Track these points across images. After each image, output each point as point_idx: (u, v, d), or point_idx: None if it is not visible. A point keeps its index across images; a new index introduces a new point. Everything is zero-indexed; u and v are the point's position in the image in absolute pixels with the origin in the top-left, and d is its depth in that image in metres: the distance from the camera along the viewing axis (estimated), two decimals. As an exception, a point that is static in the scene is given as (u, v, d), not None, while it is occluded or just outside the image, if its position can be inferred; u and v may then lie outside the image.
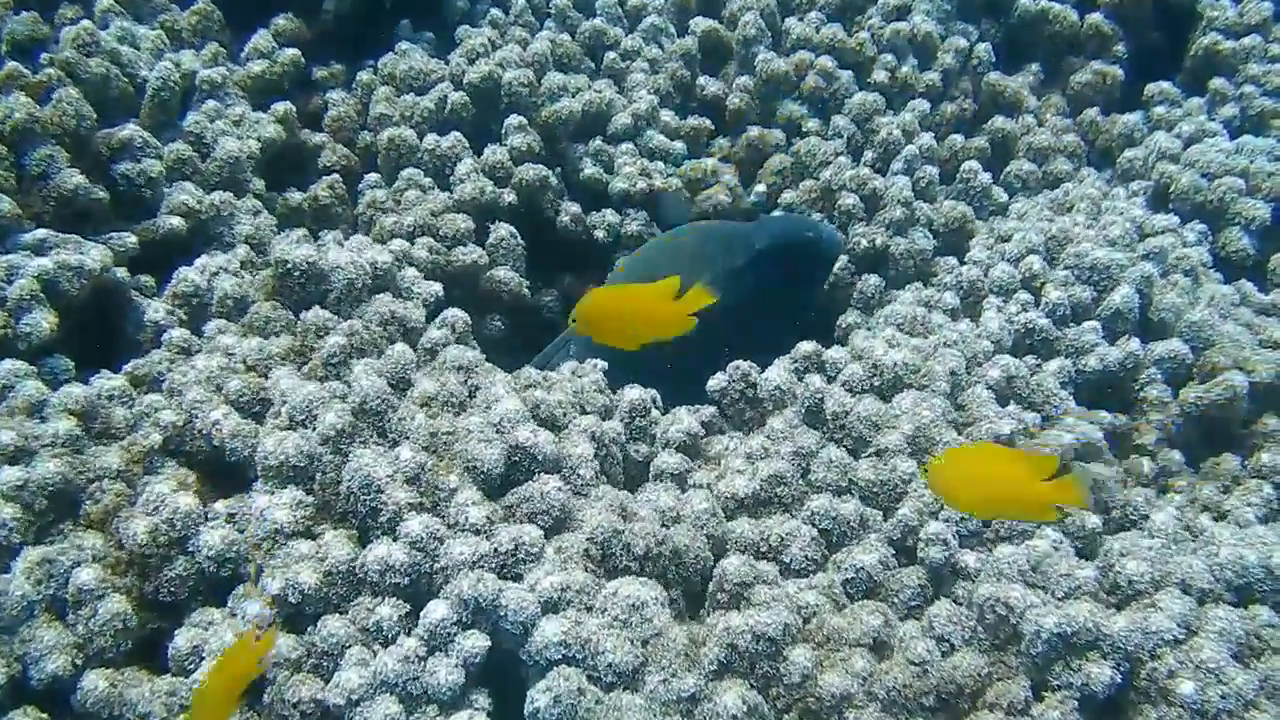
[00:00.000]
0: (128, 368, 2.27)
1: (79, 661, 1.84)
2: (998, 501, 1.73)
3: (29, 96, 2.44)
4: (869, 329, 2.76)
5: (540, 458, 2.05)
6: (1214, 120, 3.23)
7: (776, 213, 3.19)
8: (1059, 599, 1.87)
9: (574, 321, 1.99)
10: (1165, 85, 3.35)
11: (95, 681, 1.82)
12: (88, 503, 1.99)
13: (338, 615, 1.89)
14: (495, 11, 3.35)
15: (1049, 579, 1.90)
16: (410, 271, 2.57)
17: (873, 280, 3.00)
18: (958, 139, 3.24)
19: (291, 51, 3.17)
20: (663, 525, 2.05)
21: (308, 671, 1.86)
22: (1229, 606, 1.83)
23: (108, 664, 1.87)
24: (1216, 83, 3.30)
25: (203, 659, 1.86)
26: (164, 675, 1.88)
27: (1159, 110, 3.30)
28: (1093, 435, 2.42)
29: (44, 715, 1.83)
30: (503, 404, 2.10)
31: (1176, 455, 2.53)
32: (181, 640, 1.89)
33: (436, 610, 1.84)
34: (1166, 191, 3.03)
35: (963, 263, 2.93)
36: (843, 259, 3.01)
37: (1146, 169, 3.13)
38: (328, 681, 1.83)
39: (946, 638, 1.89)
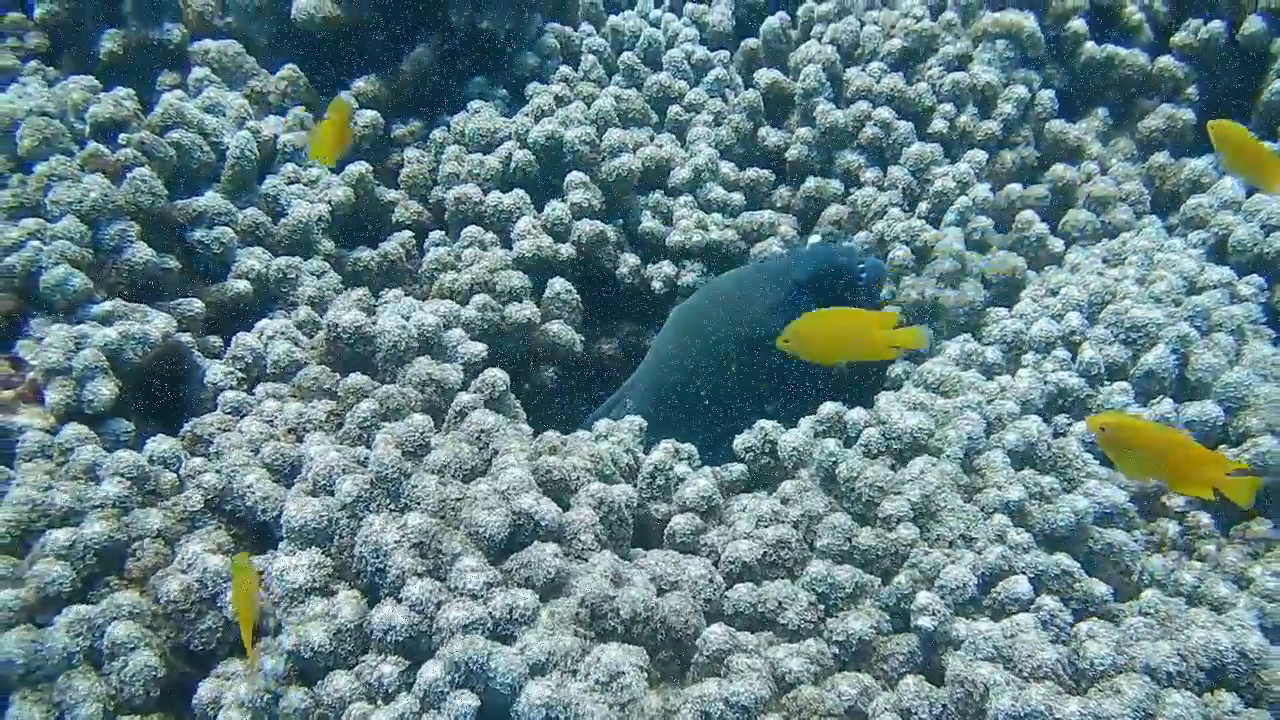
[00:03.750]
0: (186, 427, 2.47)
1: (110, 708, 2.02)
2: (847, 347, 2.29)
3: (106, 176, 2.66)
4: (899, 388, 2.80)
5: (543, 524, 2.17)
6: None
7: (814, 239, 3.26)
8: (1023, 678, 1.91)
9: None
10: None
11: (123, 728, 2.01)
12: (130, 560, 2.18)
13: (344, 671, 2.04)
14: (565, 69, 3.49)
15: (1017, 658, 1.94)
16: (456, 332, 2.72)
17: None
18: (1015, 188, 3.24)
19: (370, 114, 3.36)
20: (659, 590, 2.15)
21: (314, 723, 2.01)
22: (1189, 693, 1.84)
23: (137, 711, 2.05)
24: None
25: (222, 708, 2.03)
26: (189, 723, 2.06)
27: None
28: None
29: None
30: (510, 472, 2.23)
31: (1205, 518, 2.51)
32: (204, 690, 2.06)
33: (431, 670, 1.97)
34: (1226, 242, 2.99)
35: (1011, 316, 2.95)
36: (894, 309, 3.05)
37: (1210, 217, 3.09)
38: (332, 733, 1.98)
39: (914, 712, 1.94)
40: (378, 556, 2.10)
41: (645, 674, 1.98)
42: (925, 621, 2.09)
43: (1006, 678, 1.89)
